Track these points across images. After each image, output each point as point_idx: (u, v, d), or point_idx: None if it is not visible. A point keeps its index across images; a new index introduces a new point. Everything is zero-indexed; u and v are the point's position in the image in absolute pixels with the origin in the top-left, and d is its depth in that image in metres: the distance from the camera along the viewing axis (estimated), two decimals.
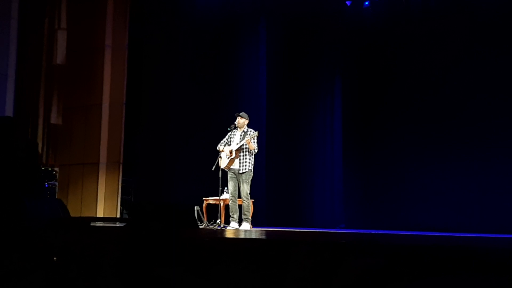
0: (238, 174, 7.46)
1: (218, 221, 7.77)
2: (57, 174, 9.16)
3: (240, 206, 7.56)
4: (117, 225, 6.67)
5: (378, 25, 10.01)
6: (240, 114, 7.65)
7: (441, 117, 9.23)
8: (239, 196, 7.53)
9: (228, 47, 10.68)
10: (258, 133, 7.44)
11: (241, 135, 7.54)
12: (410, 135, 9.48)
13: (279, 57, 10.75)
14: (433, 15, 9.50)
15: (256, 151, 7.48)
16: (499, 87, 8.79)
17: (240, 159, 7.44)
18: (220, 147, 7.65)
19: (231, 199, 7.53)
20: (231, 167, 7.50)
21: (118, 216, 8.74)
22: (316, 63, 10.69)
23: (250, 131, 7.52)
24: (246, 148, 7.41)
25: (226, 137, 7.68)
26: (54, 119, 9.58)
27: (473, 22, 9.07)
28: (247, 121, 7.65)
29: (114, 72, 9.06)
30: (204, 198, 8.51)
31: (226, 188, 7.81)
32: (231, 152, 7.46)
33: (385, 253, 2.62)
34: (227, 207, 7.83)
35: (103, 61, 9.03)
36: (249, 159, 7.45)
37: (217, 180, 7.59)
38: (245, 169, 7.41)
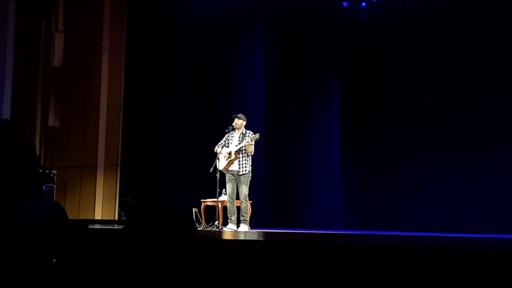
0: (237, 176, 7.46)
1: (216, 222, 7.77)
2: (55, 177, 9.15)
3: (238, 208, 7.57)
4: (115, 227, 6.66)
5: (375, 26, 10.01)
6: (238, 115, 7.65)
7: (439, 119, 9.25)
8: (237, 198, 7.53)
9: (225, 49, 10.68)
10: (259, 135, 7.46)
11: (239, 137, 7.54)
12: (407, 136, 9.49)
13: (277, 59, 10.75)
14: (430, 16, 9.51)
15: (253, 153, 7.49)
16: (496, 89, 8.81)
17: (239, 161, 7.44)
18: (217, 149, 7.65)
19: (229, 201, 7.54)
20: (230, 168, 7.51)
21: (116, 218, 8.73)
22: (313, 65, 10.69)
23: (249, 133, 7.53)
24: (244, 149, 7.42)
25: (224, 138, 7.68)
26: (52, 121, 9.57)
27: (470, 24, 9.08)
28: (244, 123, 7.65)
29: (111, 74, 9.05)
30: (202, 200, 8.51)
31: (224, 189, 7.81)
32: (230, 153, 7.46)
33: (383, 255, 2.62)
34: (225, 208, 7.83)
35: (100, 64, 9.02)
36: (248, 160, 7.46)
37: (215, 182, 7.59)
38: (245, 170, 7.41)
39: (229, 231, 7.12)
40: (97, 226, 6.66)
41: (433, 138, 9.25)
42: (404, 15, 9.73)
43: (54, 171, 9.25)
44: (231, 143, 7.59)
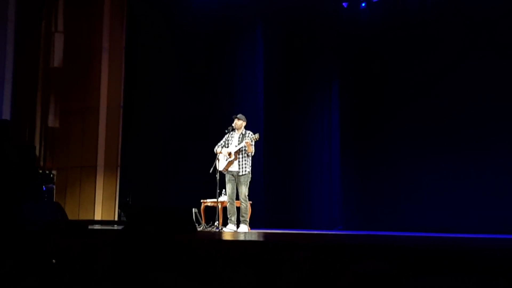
0: (237, 176, 7.46)
1: (216, 223, 7.77)
2: (55, 177, 9.15)
3: (238, 208, 7.56)
4: (115, 228, 6.66)
5: (375, 26, 10.00)
6: (238, 116, 7.65)
7: (439, 119, 9.24)
8: (237, 198, 7.53)
9: (225, 49, 10.68)
10: (258, 135, 7.46)
11: (239, 137, 7.54)
12: (407, 136, 9.48)
13: (277, 59, 10.74)
14: (430, 16, 9.50)
15: (253, 153, 7.49)
16: (496, 89, 8.81)
17: (239, 161, 7.44)
18: (217, 149, 7.65)
19: (229, 201, 7.53)
20: (229, 169, 7.50)
21: (116, 218, 8.73)
22: (313, 65, 10.68)
23: (249, 133, 7.53)
24: (244, 150, 7.41)
25: (224, 139, 7.68)
26: (52, 122, 9.58)
27: (470, 24, 9.07)
28: (244, 123, 7.65)
29: (111, 74, 9.06)
30: (202, 200, 8.51)
31: (223, 190, 7.81)
32: (229, 154, 7.46)
33: (383, 255, 2.62)
34: (224, 209, 7.83)
35: (100, 64, 9.03)
36: (248, 161, 7.46)
37: (215, 182, 7.59)
38: (245, 171, 7.41)
39: (229, 231, 7.12)
40: (97, 227, 6.65)
41: (433, 138, 9.24)
42: (404, 15, 9.72)
43: (54, 171, 9.25)
44: (230, 144, 7.59)
